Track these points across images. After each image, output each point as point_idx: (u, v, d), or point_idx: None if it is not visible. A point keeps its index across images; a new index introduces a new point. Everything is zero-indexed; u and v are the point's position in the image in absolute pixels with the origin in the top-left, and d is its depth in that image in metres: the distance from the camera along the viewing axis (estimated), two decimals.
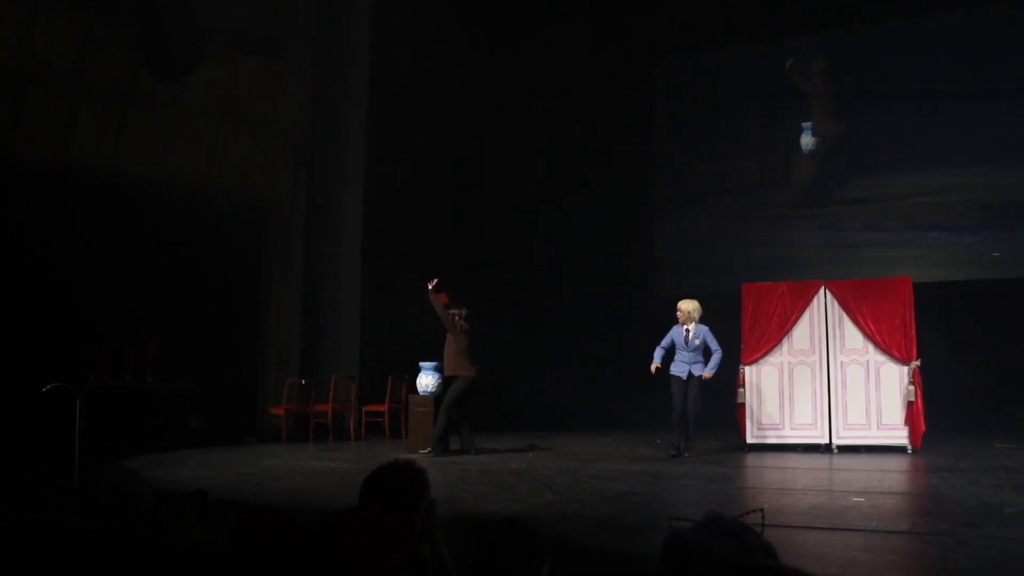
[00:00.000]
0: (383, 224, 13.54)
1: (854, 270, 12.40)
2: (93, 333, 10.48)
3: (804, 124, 14.36)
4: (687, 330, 9.25)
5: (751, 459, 9.15)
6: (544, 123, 14.53)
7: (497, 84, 14.77)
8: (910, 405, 9.28)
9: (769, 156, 14.92)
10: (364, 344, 13.04)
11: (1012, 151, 12.82)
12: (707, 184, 15.05)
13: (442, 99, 13.94)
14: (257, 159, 12.21)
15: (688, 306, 9.32)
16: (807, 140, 14.35)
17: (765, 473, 8.45)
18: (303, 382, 11.78)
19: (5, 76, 10.15)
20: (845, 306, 9.72)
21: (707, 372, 9.14)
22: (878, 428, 9.48)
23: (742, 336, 10.03)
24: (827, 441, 9.60)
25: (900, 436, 9.32)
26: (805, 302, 9.89)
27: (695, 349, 9.19)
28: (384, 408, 11.87)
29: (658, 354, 9.38)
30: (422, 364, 10.17)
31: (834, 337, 9.73)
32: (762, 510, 2.08)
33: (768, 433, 9.83)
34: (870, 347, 9.58)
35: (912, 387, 9.27)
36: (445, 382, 9.83)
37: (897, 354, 9.43)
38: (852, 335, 9.67)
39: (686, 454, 9.08)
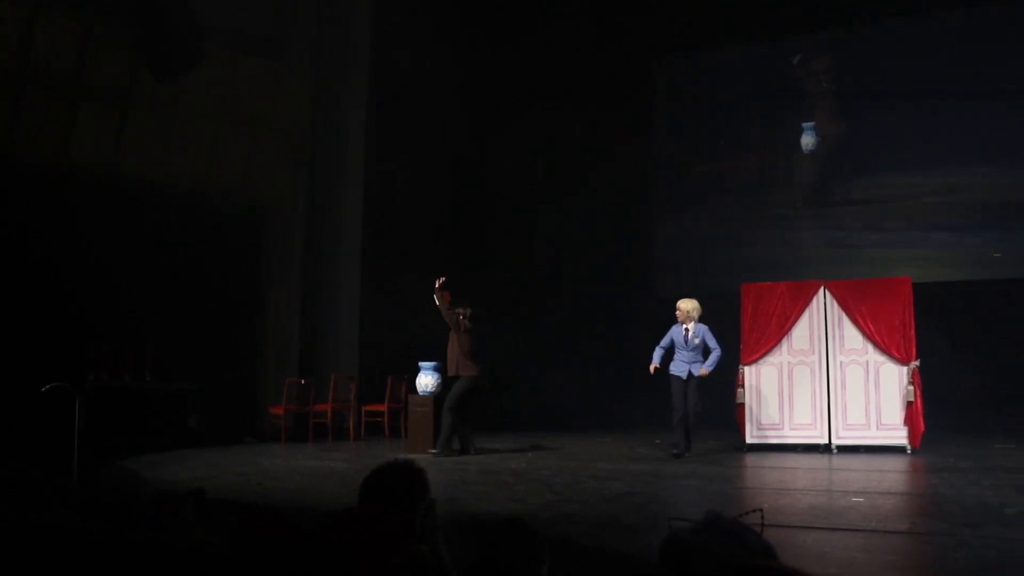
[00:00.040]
0: (383, 224, 13.54)
1: (854, 270, 12.40)
2: (93, 333, 10.48)
3: (805, 124, 14.35)
4: (686, 329, 9.25)
5: (751, 459, 9.15)
6: (544, 123, 14.53)
7: (497, 84, 14.77)
8: (909, 405, 9.29)
9: (769, 156, 14.92)
10: (363, 344, 13.04)
11: (1012, 151, 12.82)
12: (707, 184, 15.05)
13: (442, 99, 13.94)
14: (257, 159, 12.20)
15: (687, 305, 9.32)
16: (808, 140, 14.34)
17: (765, 473, 8.45)
18: (302, 382, 11.78)
19: (5, 76, 10.14)
20: (845, 306, 9.72)
21: (704, 369, 9.12)
22: (877, 428, 9.48)
23: (742, 336, 10.03)
24: (826, 441, 9.60)
25: (899, 436, 9.33)
26: (805, 302, 9.89)
27: (695, 348, 9.19)
28: (383, 408, 11.88)
29: (657, 354, 9.37)
30: (421, 364, 10.17)
31: (833, 337, 9.73)
32: (761, 510, 2.08)
33: (768, 433, 9.83)
34: (869, 347, 9.59)
35: (911, 387, 9.28)
36: (447, 382, 9.83)
37: (896, 354, 9.43)
38: (852, 335, 9.67)
39: (686, 454, 9.09)
